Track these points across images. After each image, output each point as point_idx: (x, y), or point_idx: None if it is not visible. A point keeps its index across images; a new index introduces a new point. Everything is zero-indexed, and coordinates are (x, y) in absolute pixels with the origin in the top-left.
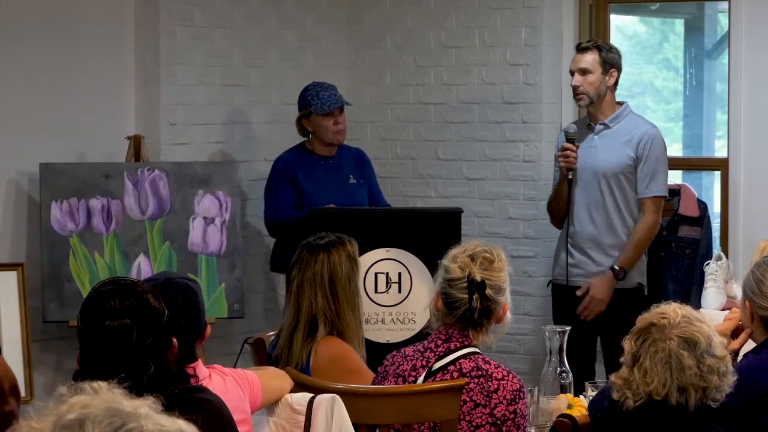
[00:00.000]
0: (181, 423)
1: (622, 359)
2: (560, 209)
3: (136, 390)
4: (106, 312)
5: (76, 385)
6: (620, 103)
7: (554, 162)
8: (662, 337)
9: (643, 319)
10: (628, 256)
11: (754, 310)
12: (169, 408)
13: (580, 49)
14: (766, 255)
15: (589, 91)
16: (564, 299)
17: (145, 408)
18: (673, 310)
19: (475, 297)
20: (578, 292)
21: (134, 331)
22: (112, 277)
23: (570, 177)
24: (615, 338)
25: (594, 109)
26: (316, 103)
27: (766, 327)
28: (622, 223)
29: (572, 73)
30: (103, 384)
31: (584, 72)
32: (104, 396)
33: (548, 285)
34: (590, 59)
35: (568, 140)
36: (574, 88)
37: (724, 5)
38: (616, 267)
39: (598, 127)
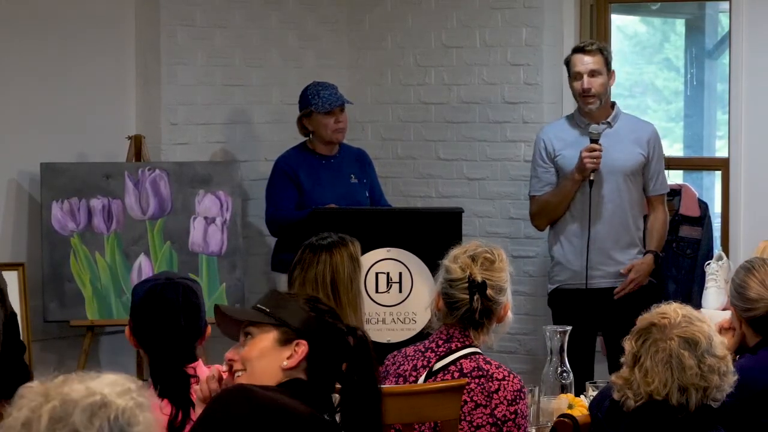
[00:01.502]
0: (115, 376)
1: (622, 359)
2: (560, 211)
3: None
4: (343, 329)
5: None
6: (612, 103)
7: (539, 164)
8: (663, 337)
9: (643, 320)
10: (659, 243)
11: (739, 315)
12: None
13: (586, 51)
14: (751, 258)
15: (600, 93)
16: (574, 303)
17: (83, 382)
18: (673, 310)
19: (475, 297)
20: (622, 271)
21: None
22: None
23: (592, 178)
24: (619, 337)
25: (598, 111)
26: (317, 102)
27: (754, 329)
28: (634, 221)
29: (577, 76)
30: (34, 383)
31: (594, 74)
32: (52, 391)
33: (549, 293)
34: (598, 61)
35: (592, 141)
36: (587, 91)
37: (725, 5)
38: (656, 251)
39: (601, 126)
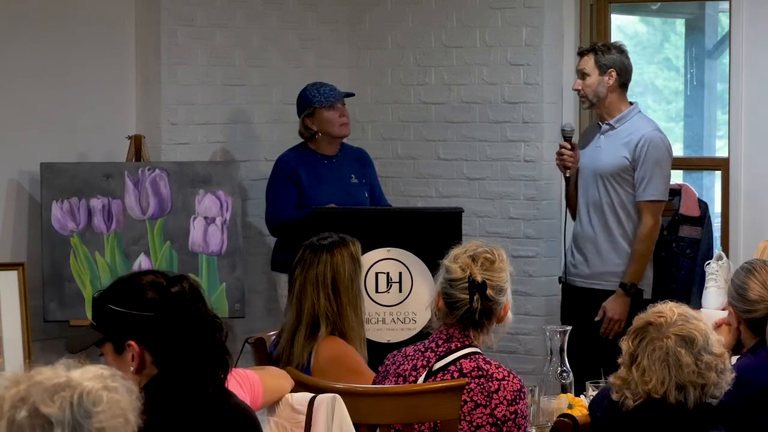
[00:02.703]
0: (95, 367)
1: (620, 359)
2: (570, 207)
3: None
4: (163, 284)
5: None
6: (631, 104)
7: None
8: (659, 335)
9: (639, 319)
10: (633, 270)
11: (738, 316)
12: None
13: (579, 53)
14: (749, 260)
15: (588, 93)
16: (566, 297)
17: (55, 369)
18: (669, 308)
19: (475, 297)
20: (596, 318)
21: (201, 289)
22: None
23: (567, 176)
24: (613, 341)
25: (600, 110)
26: (319, 98)
27: (753, 331)
28: (618, 225)
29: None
30: (10, 372)
31: (582, 75)
32: (23, 377)
33: (560, 282)
34: (587, 62)
35: (565, 139)
36: (577, 92)
37: (725, 5)
38: (625, 283)
39: (605, 127)
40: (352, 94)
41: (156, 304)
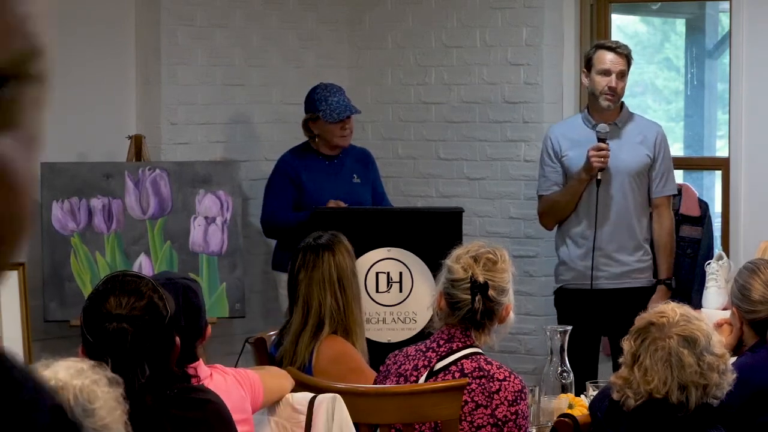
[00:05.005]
0: (67, 361)
1: (621, 359)
2: (568, 211)
3: (130, 393)
4: (104, 314)
5: None
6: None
7: (547, 163)
8: (662, 335)
9: (641, 319)
10: (668, 265)
11: (741, 316)
12: (166, 408)
13: (618, 52)
14: (753, 259)
15: (620, 95)
16: (578, 303)
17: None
18: (671, 308)
19: (477, 298)
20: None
21: (130, 336)
22: (119, 272)
23: (599, 178)
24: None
25: (609, 111)
26: (324, 109)
27: (755, 331)
28: (639, 222)
29: (606, 73)
30: None
31: (621, 75)
32: None
33: (554, 292)
34: (625, 64)
35: (599, 140)
36: (612, 90)
37: (725, 5)
38: (666, 279)
39: (608, 126)
40: (358, 112)
41: (98, 332)
